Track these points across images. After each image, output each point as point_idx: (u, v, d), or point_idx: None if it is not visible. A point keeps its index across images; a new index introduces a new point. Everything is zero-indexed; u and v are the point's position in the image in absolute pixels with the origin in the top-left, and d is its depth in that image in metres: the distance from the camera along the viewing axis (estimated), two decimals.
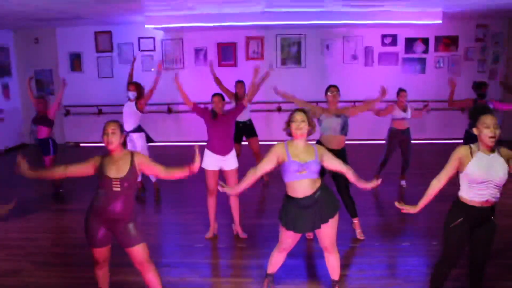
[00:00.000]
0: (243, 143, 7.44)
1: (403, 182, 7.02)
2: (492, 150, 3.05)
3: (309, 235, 4.94)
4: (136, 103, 6.40)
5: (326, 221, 3.40)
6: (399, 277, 4.14)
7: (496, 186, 3.03)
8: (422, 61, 10.35)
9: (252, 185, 3.57)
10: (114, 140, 3.27)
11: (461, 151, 3.08)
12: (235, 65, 10.38)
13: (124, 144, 3.44)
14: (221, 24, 8.98)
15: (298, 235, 3.51)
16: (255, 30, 10.22)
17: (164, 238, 5.41)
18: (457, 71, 10.24)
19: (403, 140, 6.83)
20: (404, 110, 6.74)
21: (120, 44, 10.62)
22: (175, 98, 10.36)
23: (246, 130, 7.33)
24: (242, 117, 7.00)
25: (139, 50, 10.55)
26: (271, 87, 5.85)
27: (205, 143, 5.03)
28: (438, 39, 10.23)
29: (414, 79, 10.13)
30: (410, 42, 10.28)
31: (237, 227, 5.17)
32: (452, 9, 8.52)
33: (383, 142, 7.04)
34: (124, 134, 3.41)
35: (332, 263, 3.63)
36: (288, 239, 3.52)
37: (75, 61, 10.79)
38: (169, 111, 10.62)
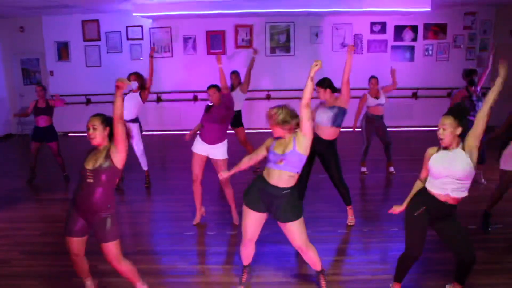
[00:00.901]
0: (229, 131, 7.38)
1: (392, 169, 7.06)
2: (457, 145, 3.16)
3: None
4: (140, 94, 6.34)
5: (283, 221, 3.45)
6: (388, 261, 4.19)
7: (458, 180, 3.13)
8: (411, 49, 10.38)
9: (245, 170, 3.78)
10: (96, 135, 3.23)
11: (430, 151, 3.32)
12: (224, 53, 10.31)
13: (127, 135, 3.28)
14: (210, 12, 8.91)
15: (258, 219, 3.53)
16: (244, 18, 10.16)
17: (154, 226, 5.41)
18: (445, 58, 10.32)
19: (378, 127, 6.90)
20: (377, 97, 6.81)
21: (108, 33, 10.51)
22: (163, 87, 10.43)
23: (233, 119, 7.28)
24: (236, 107, 6.95)
25: (127, 39, 10.47)
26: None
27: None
28: (426, 26, 10.27)
29: (403, 66, 10.14)
30: (399, 30, 10.30)
31: (233, 214, 5.23)
32: None
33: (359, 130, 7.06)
34: (108, 127, 3.27)
35: (310, 259, 3.65)
36: (248, 220, 3.53)
37: (63, 50, 10.67)
38: (158, 100, 10.60)
